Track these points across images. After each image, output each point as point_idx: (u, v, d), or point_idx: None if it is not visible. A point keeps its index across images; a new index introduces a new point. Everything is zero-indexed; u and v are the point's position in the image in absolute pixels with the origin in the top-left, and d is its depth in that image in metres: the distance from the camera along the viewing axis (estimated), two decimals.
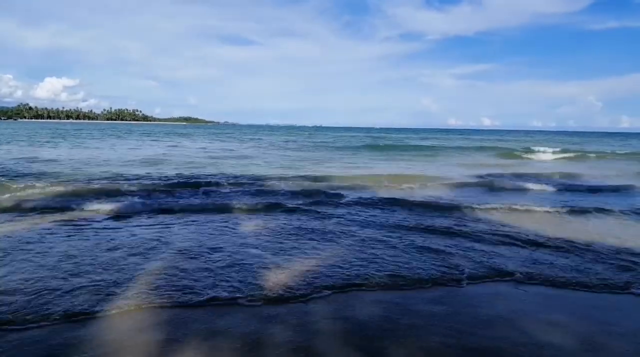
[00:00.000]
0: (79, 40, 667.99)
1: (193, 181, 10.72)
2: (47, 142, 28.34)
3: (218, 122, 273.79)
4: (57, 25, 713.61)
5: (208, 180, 10.91)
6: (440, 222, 6.82)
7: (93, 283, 3.94)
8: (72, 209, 7.25)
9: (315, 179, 11.86)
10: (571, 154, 25.88)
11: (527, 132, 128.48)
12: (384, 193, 9.76)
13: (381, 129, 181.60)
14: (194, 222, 6.54)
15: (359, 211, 7.63)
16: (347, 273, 4.34)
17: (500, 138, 62.56)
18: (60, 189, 9.00)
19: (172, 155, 20.55)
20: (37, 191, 8.72)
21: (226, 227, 6.29)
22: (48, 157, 17.17)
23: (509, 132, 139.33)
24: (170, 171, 13.15)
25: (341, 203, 8.41)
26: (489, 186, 11.50)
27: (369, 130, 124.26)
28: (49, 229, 5.91)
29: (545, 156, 25.51)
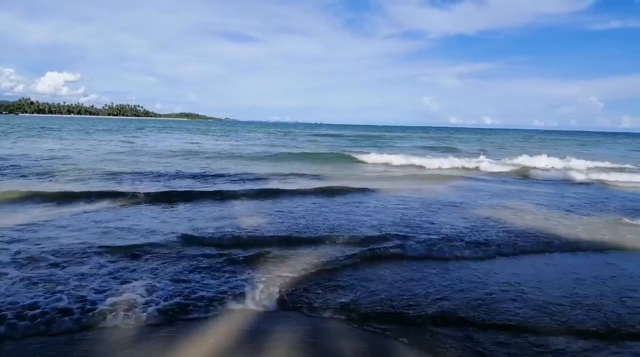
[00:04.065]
0: (79, 35, 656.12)
1: None
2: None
3: (220, 119, 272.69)
4: (58, 19, 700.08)
5: None
6: None
7: None
8: None
9: None
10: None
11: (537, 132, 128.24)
12: None
13: (383, 126, 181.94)
14: None
15: None
16: None
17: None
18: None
19: None
20: None
21: None
22: None
23: (516, 130, 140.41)
24: None
25: None
26: None
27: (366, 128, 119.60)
28: None
29: None
